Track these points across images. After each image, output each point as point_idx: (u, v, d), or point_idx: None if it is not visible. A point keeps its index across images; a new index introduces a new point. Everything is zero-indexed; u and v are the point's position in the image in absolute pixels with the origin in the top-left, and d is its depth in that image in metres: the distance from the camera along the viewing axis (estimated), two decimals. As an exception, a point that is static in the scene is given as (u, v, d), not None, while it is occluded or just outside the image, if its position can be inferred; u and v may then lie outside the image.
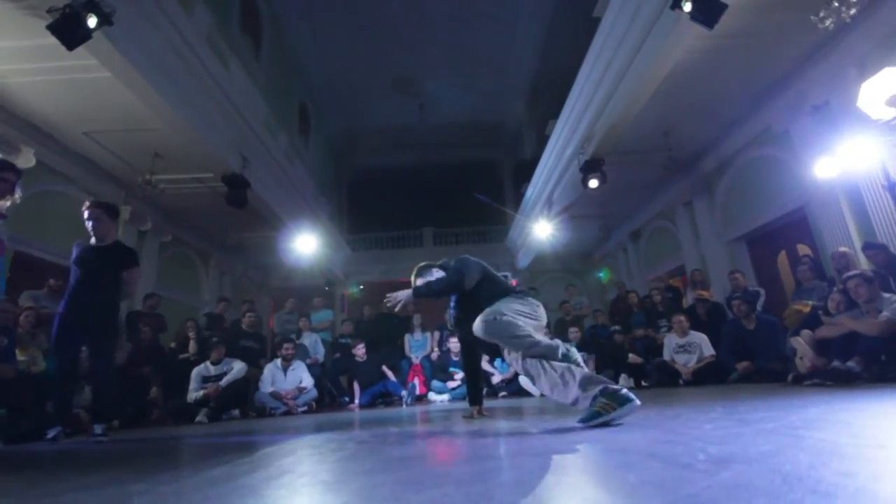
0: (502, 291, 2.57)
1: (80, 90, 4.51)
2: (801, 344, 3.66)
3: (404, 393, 5.90)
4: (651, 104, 5.39)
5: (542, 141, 9.22)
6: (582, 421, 1.88)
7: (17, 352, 3.98)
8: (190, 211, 7.42)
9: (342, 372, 6.84)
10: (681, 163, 6.77)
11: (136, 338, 5.60)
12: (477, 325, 2.26)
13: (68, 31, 3.34)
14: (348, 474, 1.30)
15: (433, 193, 14.38)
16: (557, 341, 2.23)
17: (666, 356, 5.41)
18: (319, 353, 7.02)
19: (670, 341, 5.46)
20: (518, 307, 2.37)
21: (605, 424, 1.82)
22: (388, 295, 2.65)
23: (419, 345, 7.00)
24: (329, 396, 6.75)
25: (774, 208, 5.90)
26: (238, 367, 5.33)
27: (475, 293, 2.56)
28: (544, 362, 2.09)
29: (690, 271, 7.12)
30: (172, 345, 6.23)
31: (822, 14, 3.62)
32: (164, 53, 4.69)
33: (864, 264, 4.29)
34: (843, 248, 4.50)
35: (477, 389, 3.05)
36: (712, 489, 0.81)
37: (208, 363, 5.33)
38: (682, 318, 5.47)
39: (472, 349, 3.03)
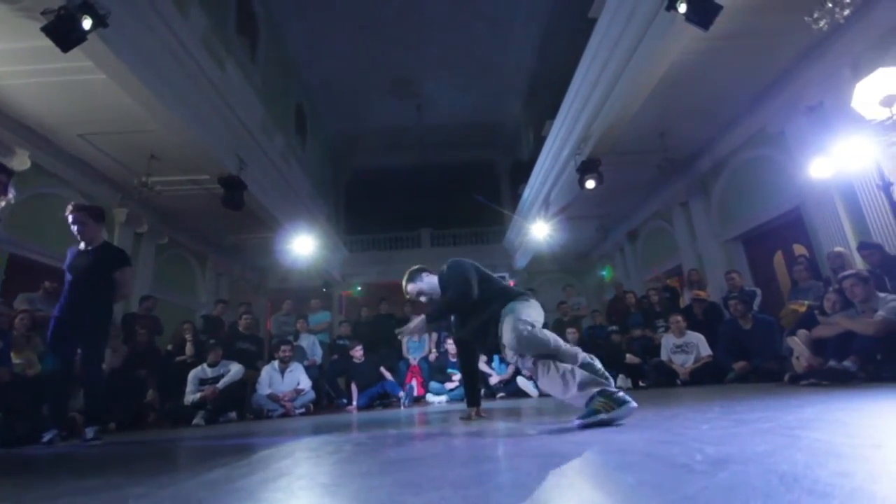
0: (500, 291, 2.59)
1: (74, 92, 4.49)
2: (797, 343, 3.67)
3: (402, 394, 5.89)
4: (647, 105, 5.41)
5: (539, 141, 9.24)
6: (580, 418, 1.90)
7: (12, 355, 3.96)
8: (186, 213, 7.40)
9: (340, 373, 6.82)
10: (677, 163, 6.80)
11: (133, 340, 5.58)
12: (509, 338, 2.21)
13: (63, 33, 3.33)
14: (346, 477, 1.30)
15: (431, 194, 14.39)
16: (577, 349, 2.27)
17: (663, 356, 5.42)
18: (317, 354, 7.00)
19: (667, 341, 5.47)
20: (535, 314, 2.41)
21: (603, 424, 1.84)
22: (398, 331, 2.66)
23: (417, 346, 6.99)
24: (327, 398, 6.73)
25: (770, 208, 5.92)
26: (235, 370, 5.31)
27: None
28: (550, 362, 2.13)
29: (687, 271, 7.14)
30: (169, 347, 6.20)
31: (816, 15, 3.64)
32: (160, 55, 4.68)
33: (859, 264, 4.31)
34: (838, 248, 4.53)
35: (474, 391, 3.05)
36: (710, 490, 0.81)
37: (205, 365, 5.31)
38: (680, 318, 5.49)
39: (470, 350, 3.02)
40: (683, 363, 5.24)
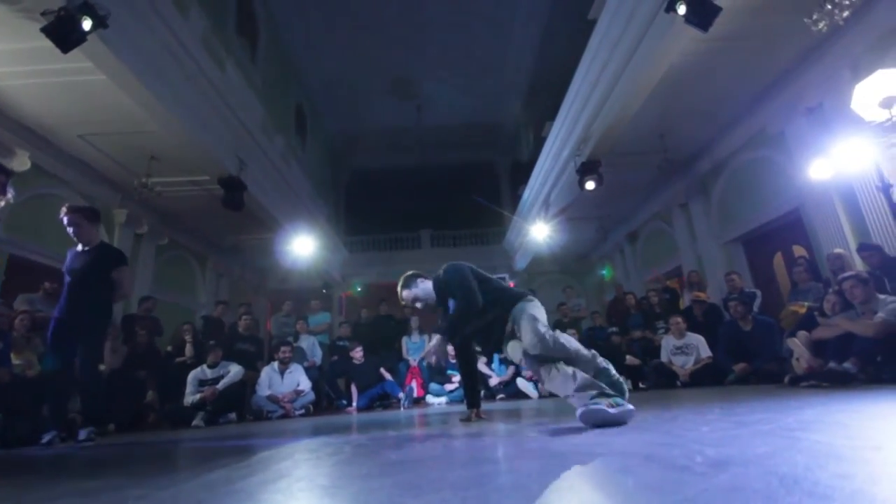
0: (501, 292, 2.61)
1: (74, 93, 4.50)
2: (797, 345, 3.67)
3: (402, 396, 5.89)
4: (647, 106, 5.42)
5: (539, 142, 9.25)
6: (581, 406, 1.94)
7: (12, 356, 3.96)
8: (186, 213, 7.40)
9: (340, 375, 6.82)
10: (677, 164, 6.81)
11: (132, 341, 5.58)
12: (531, 341, 2.22)
13: (63, 34, 3.33)
14: (345, 478, 1.30)
15: (430, 195, 14.40)
16: (594, 354, 2.32)
17: (663, 358, 5.42)
18: (317, 355, 7.00)
19: (667, 343, 5.47)
20: (543, 316, 2.42)
21: (602, 418, 1.86)
22: (424, 356, 2.66)
23: (417, 347, 6.99)
24: (326, 399, 6.73)
25: (770, 210, 5.92)
26: (235, 371, 5.31)
27: None
28: (551, 365, 2.17)
29: (687, 273, 7.14)
30: (169, 348, 6.20)
31: (815, 17, 3.65)
32: (160, 56, 4.68)
33: (859, 265, 4.31)
34: (838, 250, 4.53)
35: (474, 392, 3.05)
36: (710, 492, 0.81)
37: (205, 366, 5.30)
38: (679, 319, 5.49)
39: (469, 352, 3.02)
40: (683, 365, 5.24)
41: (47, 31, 3.30)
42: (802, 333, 3.72)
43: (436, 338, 2.58)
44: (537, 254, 10.55)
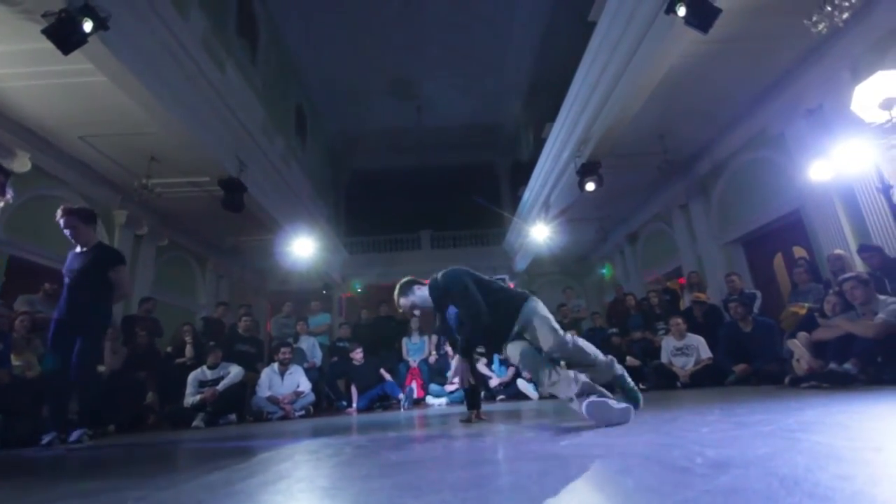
0: (503, 293, 2.63)
1: (75, 94, 4.50)
2: (797, 346, 3.67)
3: (402, 397, 5.88)
4: (647, 107, 5.42)
5: (539, 143, 9.26)
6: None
7: (12, 357, 3.96)
8: (186, 215, 7.40)
9: (340, 376, 6.81)
10: (677, 165, 6.81)
11: (132, 342, 5.58)
12: (551, 345, 2.32)
13: (64, 36, 3.33)
14: (345, 480, 1.30)
15: (430, 196, 14.40)
16: (611, 360, 2.46)
17: (663, 359, 5.42)
18: (317, 356, 6.99)
19: (668, 344, 5.47)
20: (551, 317, 2.50)
21: (608, 416, 1.95)
22: (455, 382, 2.66)
23: (417, 348, 6.99)
24: (326, 400, 6.72)
25: (770, 211, 5.92)
26: (235, 372, 5.30)
27: None
28: (554, 367, 2.25)
29: (687, 273, 7.13)
30: (169, 349, 6.19)
31: (815, 18, 3.65)
32: (160, 57, 4.69)
33: (859, 266, 4.31)
34: (838, 251, 4.52)
35: (474, 393, 3.05)
36: (710, 493, 0.81)
37: (205, 367, 5.30)
38: (680, 320, 5.48)
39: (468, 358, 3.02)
40: (683, 365, 5.23)
41: (48, 32, 3.30)
42: (803, 334, 3.71)
43: (456, 360, 2.60)
44: (537, 255, 10.56)
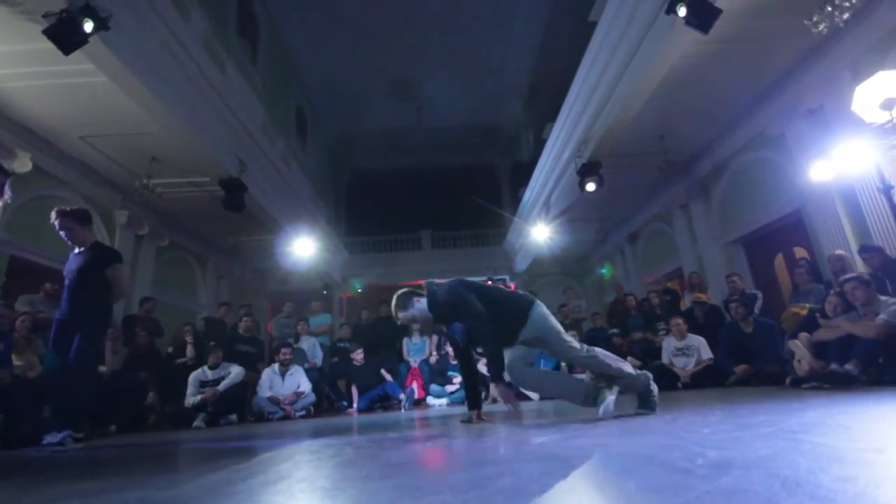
0: (502, 302, 2.67)
1: (76, 94, 4.50)
2: (798, 347, 3.66)
3: (403, 397, 5.88)
4: (647, 108, 5.42)
5: (540, 143, 9.26)
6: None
7: (13, 357, 3.96)
8: (187, 215, 7.40)
9: (340, 376, 6.81)
10: (677, 166, 6.80)
11: (133, 342, 5.58)
12: (569, 357, 2.61)
13: (64, 36, 3.34)
14: (346, 480, 1.30)
15: (431, 196, 14.41)
16: (647, 373, 2.58)
17: (664, 359, 5.41)
18: (318, 357, 6.99)
19: (668, 344, 5.46)
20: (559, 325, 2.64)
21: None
22: (511, 409, 2.75)
23: (417, 349, 6.98)
24: (327, 401, 6.72)
25: (771, 211, 5.92)
26: (236, 372, 5.30)
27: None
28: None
29: (688, 274, 7.13)
30: (170, 349, 6.20)
31: (815, 19, 3.65)
32: (161, 58, 4.69)
33: (860, 267, 4.30)
34: (839, 251, 4.52)
35: (475, 393, 3.04)
36: (711, 495, 0.81)
37: (206, 368, 5.30)
38: (680, 320, 5.47)
39: (469, 356, 3.02)
40: (684, 366, 5.23)
41: (49, 33, 3.30)
42: (804, 335, 3.71)
43: (493, 389, 2.63)
44: (538, 255, 10.55)
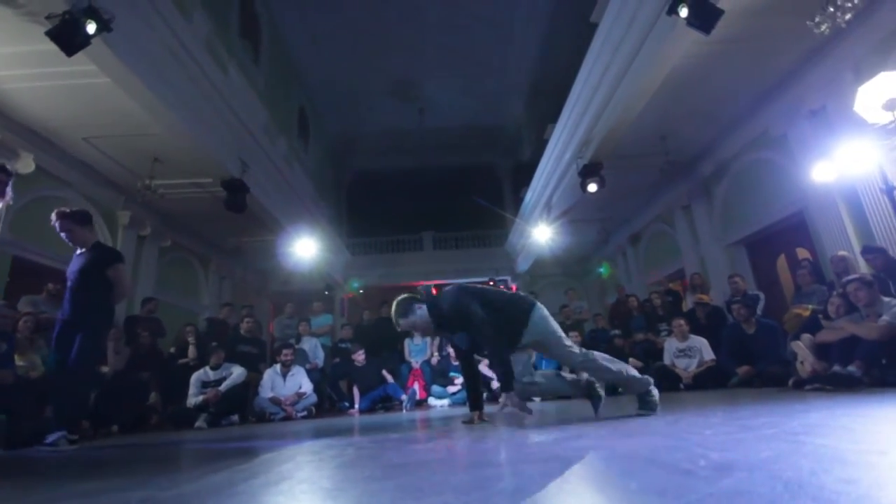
0: (504, 311, 2.68)
1: (79, 96, 4.52)
2: (801, 348, 3.65)
3: (404, 398, 5.88)
4: (648, 108, 5.41)
5: (541, 144, 9.25)
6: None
7: (16, 357, 3.97)
8: (189, 215, 7.42)
9: (342, 377, 6.82)
10: (679, 166, 6.79)
11: (135, 342, 5.59)
12: (569, 363, 2.67)
13: (67, 38, 3.34)
14: (347, 481, 1.30)
15: (432, 197, 14.42)
16: (647, 379, 2.66)
17: (666, 360, 5.40)
18: (319, 357, 6.99)
19: (670, 345, 5.45)
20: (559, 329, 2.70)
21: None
22: (523, 415, 2.67)
23: (419, 349, 6.98)
24: (329, 401, 6.73)
25: (773, 212, 5.90)
26: (237, 372, 5.30)
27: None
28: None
29: (690, 275, 7.12)
30: (172, 350, 6.21)
31: (817, 19, 3.64)
32: (164, 59, 4.71)
33: (863, 268, 4.29)
34: (842, 252, 4.51)
35: (477, 395, 3.04)
36: (714, 496, 0.81)
37: (208, 368, 5.30)
38: (682, 321, 5.47)
39: (470, 359, 3.02)
40: (686, 367, 5.22)
41: (52, 34, 3.31)
42: (806, 336, 3.70)
43: (503, 398, 2.57)
44: (539, 256, 10.55)
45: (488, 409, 2.84)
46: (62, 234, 3.32)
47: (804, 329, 3.89)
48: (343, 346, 7.08)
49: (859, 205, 4.55)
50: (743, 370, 4.64)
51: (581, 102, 6.52)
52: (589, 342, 6.84)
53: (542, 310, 2.68)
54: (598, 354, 2.63)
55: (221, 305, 7.84)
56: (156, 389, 5.42)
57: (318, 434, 3.12)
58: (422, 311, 2.77)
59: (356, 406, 6.08)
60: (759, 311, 5.27)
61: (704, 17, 3.71)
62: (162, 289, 7.32)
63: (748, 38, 4.43)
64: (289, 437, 3.06)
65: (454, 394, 6.10)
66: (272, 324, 8.98)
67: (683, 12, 3.77)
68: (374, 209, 14.51)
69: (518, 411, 2.55)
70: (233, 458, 1.99)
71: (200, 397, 5.03)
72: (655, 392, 2.58)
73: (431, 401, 6.26)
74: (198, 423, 4.78)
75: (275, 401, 5.43)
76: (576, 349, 2.63)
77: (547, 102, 10.17)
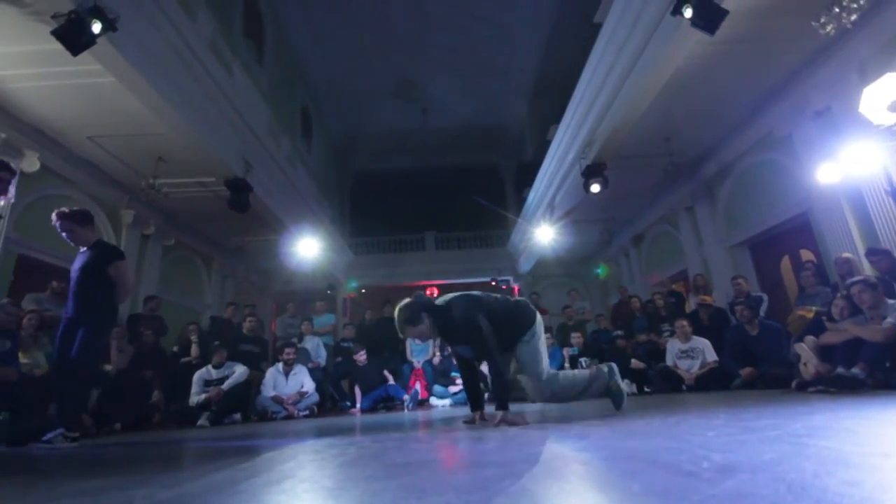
0: (507, 316, 2.75)
1: (84, 95, 4.54)
2: (804, 350, 3.63)
3: (406, 397, 5.88)
4: (652, 109, 5.40)
5: (544, 144, 9.25)
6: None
7: (20, 354, 3.99)
8: (193, 215, 7.45)
9: (344, 376, 6.83)
10: (682, 167, 6.77)
11: (138, 341, 5.61)
12: (538, 397, 2.76)
13: (73, 37, 3.36)
14: (349, 480, 1.30)
15: (435, 197, 14.43)
16: (592, 371, 2.83)
17: (668, 361, 5.39)
18: (321, 357, 7.00)
19: (673, 346, 5.44)
20: (543, 348, 2.78)
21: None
22: (520, 427, 2.55)
23: (421, 350, 6.98)
24: (330, 401, 6.74)
25: (777, 213, 5.88)
26: (240, 371, 5.32)
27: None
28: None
29: (693, 276, 7.09)
30: (175, 348, 6.23)
31: (823, 20, 3.63)
32: (168, 58, 4.73)
33: (867, 270, 4.27)
34: (846, 254, 4.49)
35: (477, 395, 3.04)
36: (717, 498, 0.81)
37: (210, 367, 5.32)
38: (685, 322, 5.45)
39: (470, 365, 3.02)
40: (689, 369, 5.20)
41: (57, 34, 3.33)
42: (810, 338, 3.68)
43: (500, 415, 2.52)
44: (542, 256, 10.54)
45: (489, 409, 2.83)
46: (63, 235, 3.34)
47: (808, 331, 3.88)
48: (345, 345, 7.09)
49: (864, 206, 4.52)
50: (746, 372, 4.62)
51: (584, 103, 6.51)
52: (591, 343, 6.83)
53: (540, 327, 2.81)
54: (561, 375, 2.79)
55: (226, 304, 7.86)
56: (158, 388, 5.44)
57: (320, 433, 3.12)
58: (428, 318, 2.68)
59: (358, 405, 6.09)
60: (762, 313, 5.25)
61: (709, 17, 3.70)
62: (165, 287, 7.35)
63: (753, 38, 4.41)
64: (291, 435, 3.07)
65: (456, 394, 6.11)
66: (274, 323, 9.00)
67: (688, 13, 3.76)
68: (376, 209, 14.54)
69: (519, 424, 2.52)
70: (235, 457, 1.99)
71: (203, 396, 5.04)
72: (616, 375, 2.78)
73: (433, 400, 6.27)
74: (200, 422, 4.80)
75: (277, 400, 5.44)
76: (545, 371, 2.74)
77: (550, 103, 10.16)
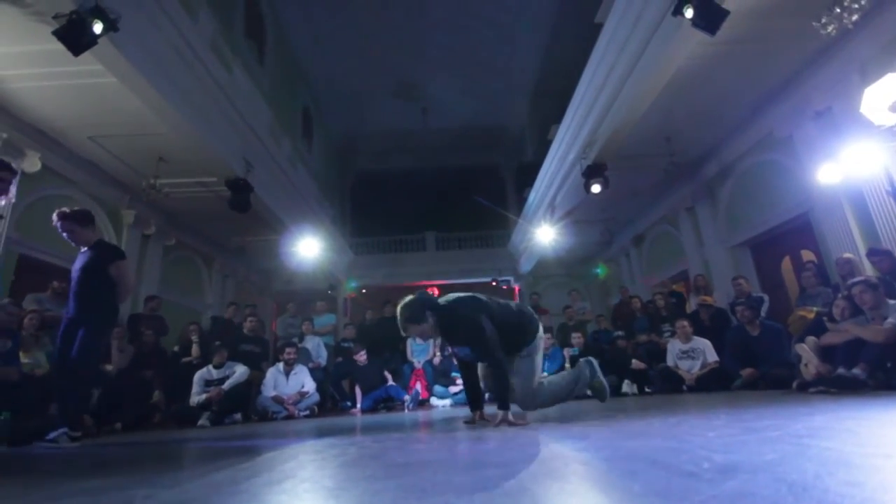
0: (509, 323, 2.75)
1: (85, 95, 4.55)
2: (805, 350, 3.63)
3: (407, 398, 5.88)
4: (653, 109, 5.40)
5: (545, 144, 9.24)
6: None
7: (21, 354, 3.99)
8: (193, 215, 7.45)
9: (344, 376, 6.82)
10: (683, 168, 6.77)
11: (139, 340, 5.61)
12: (526, 407, 2.80)
13: (74, 37, 3.37)
14: (350, 480, 1.30)
15: (436, 197, 14.45)
16: (575, 373, 2.92)
17: (669, 362, 5.38)
18: (322, 357, 7.00)
19: (674, 347, 5.43)
20: (539, 360, 2.84)
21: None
22: (520, 427, 2.52)
23: (421, 350, 6.98)
24: (331, 401, 6.73)
25: (778, 214, 5.88)
26: (240, 371, 5.32)
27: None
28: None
29: (693, 277, 7.08)
30: (175, 348, 6.23)
31: (824, 20, 3.63)
32: (169, 59, 4.73)
33: (868, 270, 4.26)
34: (847, 254, 4.48)
35: (477, 395, 3.03)
36: (717, 498, 0.81)
37: (211, 367, 5.32)
38: (686, 323, 5.44)
39: (471, 366, 3.02)
40: (690, 369, 5.20)
41: (59, 34, 3.33)
42: (811, 339, 3.68)
43: (500, 415, 2.53)
44: (542, 257, 10.53)
45: (489, 409, 2.83)
46: (64, 235, 3.34)
47: (809, 331, 3.87)
48: (346, 345, 7.09)
49: (865, 207, 4.52)
50: (747, 372, 4.61)
51: (585, 103, 6.51)
52: (592, 343, 6.83)
53: (540, 341, 2.87)
54: (547, 381, 2.88)
55: (227, 304, 7.87)
56: (159, 388, 5.44)
57: (321, 433, 3.12)
58: (432, 317, 2.65)
59: (358, 405, 6.08)
60: (763, 314, 5.25)
61: (710, 17, 3.70)
62: (166, 287, 7.35)
63: (754, 38, 4.41)
64: (291, 435, 3.07)
65: (456, 394, 6.10)
66: (275, 323, 9.00)
67: (689, 13, 3.76)
68: (377, 209, 14.55)
69: (517, 424, 2.52)
70: (235, 457, 1.99)
71: (203, 396, 5.04)
72: (597, 372, 2.91)
73: (434, 401, 6.27)
74: (201, 422, 4.80)
75: (277, 399, 5.44)
76: (535, 380, 2.80)
77: (551, 103, 10.16)
